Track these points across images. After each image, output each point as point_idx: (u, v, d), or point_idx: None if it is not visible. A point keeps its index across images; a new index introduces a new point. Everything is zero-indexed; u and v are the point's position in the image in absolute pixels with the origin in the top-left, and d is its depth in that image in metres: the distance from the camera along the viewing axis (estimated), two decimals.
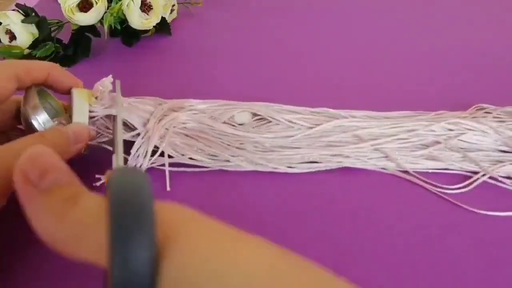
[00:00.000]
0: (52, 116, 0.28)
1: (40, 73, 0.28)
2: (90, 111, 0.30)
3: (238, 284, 0.12)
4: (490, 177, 0.32)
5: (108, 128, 0.31)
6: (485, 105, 0.39)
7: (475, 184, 0.32)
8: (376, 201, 0.31)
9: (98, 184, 0.30)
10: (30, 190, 0.14)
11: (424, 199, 0.31)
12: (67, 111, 0.30)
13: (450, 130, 0.35)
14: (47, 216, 0.14)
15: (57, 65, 0.30)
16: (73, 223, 0.14)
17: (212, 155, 0.32)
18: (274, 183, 0.31)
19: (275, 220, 0.29)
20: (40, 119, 0.27)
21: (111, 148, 0.31)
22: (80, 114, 0.29)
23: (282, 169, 0.32)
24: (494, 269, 0.26)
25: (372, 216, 0.29)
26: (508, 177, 0.32)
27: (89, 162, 0.31)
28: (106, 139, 0.31)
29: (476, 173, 0.33)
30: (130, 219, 0.12)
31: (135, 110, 0.33)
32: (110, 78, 0.32)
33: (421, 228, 0.28)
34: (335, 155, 0.33)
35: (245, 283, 0.12)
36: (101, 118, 0.31)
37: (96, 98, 0.31)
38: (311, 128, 0.35)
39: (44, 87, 0.29)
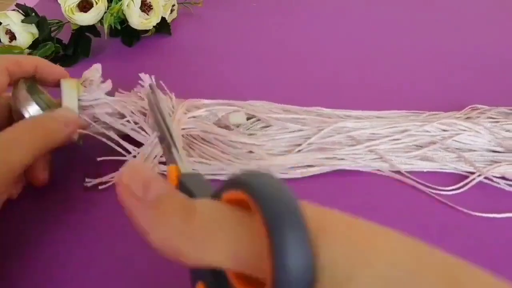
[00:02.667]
0: (43, 108, 0.28)
1: (29, 65, 0.29)
2: (79, 99, 0.30)
3: (385, 269, 0.12)
4: (485, 178, 0.32)
5: (95, 117, 0.31)
6: (479, 106, 0.39)
7: (470, 185, 0.32)
8: (371, 203, 0.30)
9: (88, 185, 0.30)
10: (138, 204, 0.14)
11: (419, 201, 0.31)
12: (57, 104, 0.30)
13: (444, 130, 0.35)
14: (166, 229, 0.14)
15: (43, 59, 0.31)
16: (198, 230, 0.14)
17: (205, 163, 0.32)
18: None
19: None
20: (31, 111, 0.27)
21: (103, 139, 0.30)
22: (69, 101, 0.29)
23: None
24: (490, 271, 0.26)
25: (366, 218, 0.29)
26: (503, 178, 0.32)
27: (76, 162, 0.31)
28: (98, 129, 0.31)
29: (470, 173, 0.33)
30: (286, 223, 0.12)
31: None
32: (98, 65, 0.32)
33: (415, 229, 0.28)
34: (329, 158, 0.33)
35: (392, 269, 0.12)
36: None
37: (85, 87, 0.31)
38: (304, 129, 0.34)
39: (33, 81, 0.29)
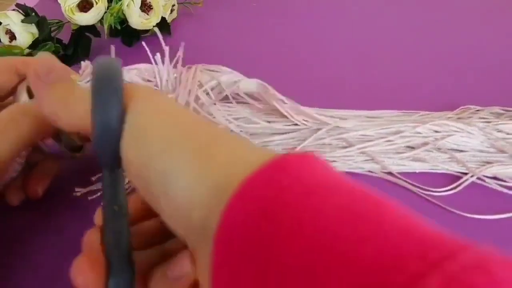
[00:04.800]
0: None
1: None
2: None
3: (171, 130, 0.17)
4: (477, 178, 0.32)
5: None
6: (471, 106, 0.39)
7: (462, 185, 0.32)
8: None
9: (78, 194, 0.30)
10: (40, 83, 0.20)
11: (411, 202, 0.31)
12: None
13: (437, 131, 0.35)
14: (51, 99, 0.19)
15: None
16: (69, 101, 0.19)
17: None
18: None
19: None
20: None
21: None
22: None
23: None
24: None
25: None
26: (495, 178, 0.32)
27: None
28: None
29: (463, 174, 0.33)
30: (106, 84, 0.17)
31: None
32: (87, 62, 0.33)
33: None
34: None
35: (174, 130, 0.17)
36: None
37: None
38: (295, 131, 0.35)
39: None
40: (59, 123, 0.19)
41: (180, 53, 0.35)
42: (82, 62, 0.32)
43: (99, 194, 0.29)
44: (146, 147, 0.16)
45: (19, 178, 0.28)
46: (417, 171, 0.33)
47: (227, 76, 0.35)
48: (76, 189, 0.30)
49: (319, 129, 0.35)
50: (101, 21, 0.46)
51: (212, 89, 0.35)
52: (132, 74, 0.33)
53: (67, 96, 0.19)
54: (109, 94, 0.17)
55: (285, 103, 0.35)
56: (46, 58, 0.22)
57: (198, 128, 0.17)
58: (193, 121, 0.18)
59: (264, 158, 0.15)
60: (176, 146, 0.16)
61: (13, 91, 0.28)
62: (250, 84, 0.35)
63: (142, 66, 0.35)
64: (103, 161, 0.17)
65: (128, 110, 0.17)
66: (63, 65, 0.21)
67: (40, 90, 0.20)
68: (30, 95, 0.28)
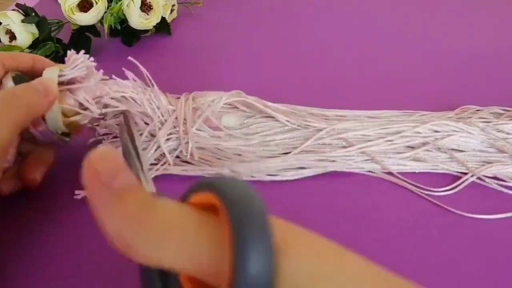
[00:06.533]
0: None
1: (25, 61, 0.29)
2: (60, 76, 0.29)
3: (346, 284, 0.13)
4: (477, 178, 0.32)
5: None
6: (471, 106, 0.39)
7: (462, 185, 0.32)
8: (363, 204, 0.31)
9: (79, 197, 0.29)
10: (103, 191, 0.14)
11: (411, 202, 0.31)
12: None
13: (436, 131, 0.35)
14: (124, 219, 0.13)
15: (42, 56, 0.31)
16: (151, 228, 0.13)
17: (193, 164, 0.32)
18: (260, 191, 0.31)
19: None
20: None
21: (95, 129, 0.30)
22: (49, 74, 0.28)
23: (264, 177, 0.31)
24: (483, 271, 0.26)
25: (358, 220, 0.29)
26: (495, 178, 0.32)
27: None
28: (86, 121, 0.30)
29: (463, 174, 0.33)
30: (253, 228, 0.12)
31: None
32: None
33: (407, 231, 0.29)
34: (321, 160, 0.33)
35: (351, 283, 0.13)
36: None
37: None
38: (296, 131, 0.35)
39: (20, 73, 0.29)
40: (132, 253, 0.13)
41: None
42: (68, 52, 0.31)
43: None
44: None
45: (11, 169, 0.28)
46: (417, 171, 0.33)
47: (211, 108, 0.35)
48: (76, 192, 0.30)
49: (319, 130, 0.35)
50: (101, 21, 0.46)
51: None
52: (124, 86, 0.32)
53: (148, 220, 0.13)
54: (258, 247, 0.12)
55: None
56: (108, 152, 0.14)
57: (379, 277, 0.14)
58: (362, 264, 0.14)
59: None
60: None
61: None
62: (230, 119, 0.35)
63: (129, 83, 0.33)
64: None
65: (282, 261, 0.13)
66: (126, 166, 0.15)
67: (101, 200, 0.14)
68: (16, 83, 0.27)
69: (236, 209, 0.13)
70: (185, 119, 0.33)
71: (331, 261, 0.14)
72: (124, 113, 0.30)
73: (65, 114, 0.28)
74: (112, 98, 0.30)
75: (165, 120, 0.33)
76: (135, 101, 0.32)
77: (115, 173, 0.14)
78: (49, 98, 0.27)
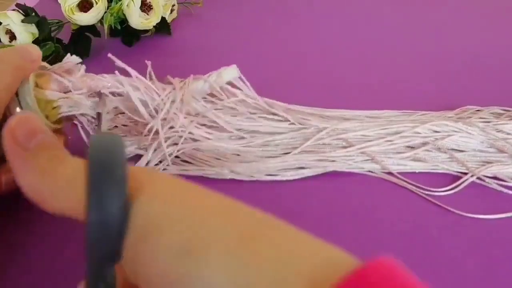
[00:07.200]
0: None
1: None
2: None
3: (192, 225, 0.14)
4: (477, 178, 0.32)
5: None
6: (471, 106, 0.39)
7: (462, 185, 0.32)
8: (363, 204, 0.31)
9: None
10: (17, 150, 0.15)
11: (412, 202, 0.31)
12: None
13: (436, 131, 0.35)
14: (33, 173, 0.15)
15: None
16: (57, 179, 0.15)
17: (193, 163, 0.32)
18: (260, 191, 0.31)
19: None
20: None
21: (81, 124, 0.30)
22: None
23: (263, 177, 0.31)
24: (483, 271, 0.26)
25: (358, 220, 0.29)
26: (495, 178, 0.32)
27: None
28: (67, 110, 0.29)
29: (463, 174, 0.33)
30: (105, 173, 0.14)
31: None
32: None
33: (408, 230, 0.29)
34: (321, 160, 0.33)
35: (197, 225, 0.14)
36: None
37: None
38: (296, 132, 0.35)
39: None
40: (43, 205, 0.15)
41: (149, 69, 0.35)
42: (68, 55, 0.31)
43: None
44: (160, 249, 0.13)
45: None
46: (417, 171, 0.33)
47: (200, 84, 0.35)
48: None
49: (319, 130, 0.35)
50: (101, 21, 0.46)
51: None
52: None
53: (54, 172, 0.15)
54: (109, 189, 0.14)
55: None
56: (26, 117, 0.16)
57: (229, 213, 0.15)
58: (218, 203, 0.15)
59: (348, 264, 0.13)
60: (206, 245, 0.13)
61: None
62: (230, 72, 0.36)
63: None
64: (95, 259, 0.14)
65: (134, 203, 0.14)
66: (46, 128, 0.16)
67: (17, 158, 0.15)
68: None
69: (92, 158, 0.14)
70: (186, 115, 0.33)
71: (183, 205, 0.14)
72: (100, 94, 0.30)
73: (48, 103, 0.28)
74: (110, 93, 0.31)
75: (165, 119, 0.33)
76: (130, 96, 0.32)
77: (31, 134, 0.15)
78: (34, 65, 0.27)
